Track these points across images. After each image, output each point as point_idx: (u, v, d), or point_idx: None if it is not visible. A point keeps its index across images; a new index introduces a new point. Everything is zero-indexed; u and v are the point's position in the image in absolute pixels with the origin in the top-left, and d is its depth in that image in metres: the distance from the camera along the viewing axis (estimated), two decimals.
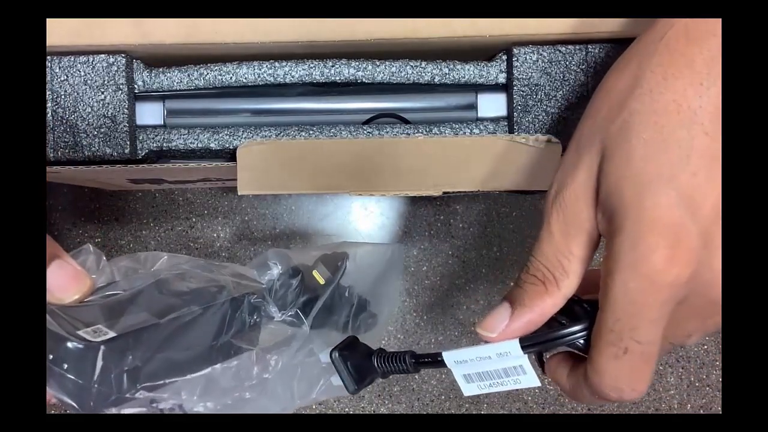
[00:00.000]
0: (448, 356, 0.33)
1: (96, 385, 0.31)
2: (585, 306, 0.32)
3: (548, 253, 0.31)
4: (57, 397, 0.32)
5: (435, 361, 0.34)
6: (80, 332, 0.31)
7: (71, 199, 0.60)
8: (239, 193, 0.38)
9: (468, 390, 0.34)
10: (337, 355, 0.35)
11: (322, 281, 0.42)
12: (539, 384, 0.33)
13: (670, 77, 0.28)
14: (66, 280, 0.33)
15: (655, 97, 0.28)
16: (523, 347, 0.31)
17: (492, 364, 0.32)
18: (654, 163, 0.27)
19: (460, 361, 0.33)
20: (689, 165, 0.27)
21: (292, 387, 0.40)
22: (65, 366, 0.31)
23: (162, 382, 0.34)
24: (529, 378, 0.32)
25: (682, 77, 0.27)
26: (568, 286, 0.31)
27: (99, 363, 0.32)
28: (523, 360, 0.32)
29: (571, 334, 0.31)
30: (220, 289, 0.38)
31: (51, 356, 0.31)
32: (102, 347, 0.32)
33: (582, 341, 0.31)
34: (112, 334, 0.32)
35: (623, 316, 0.28)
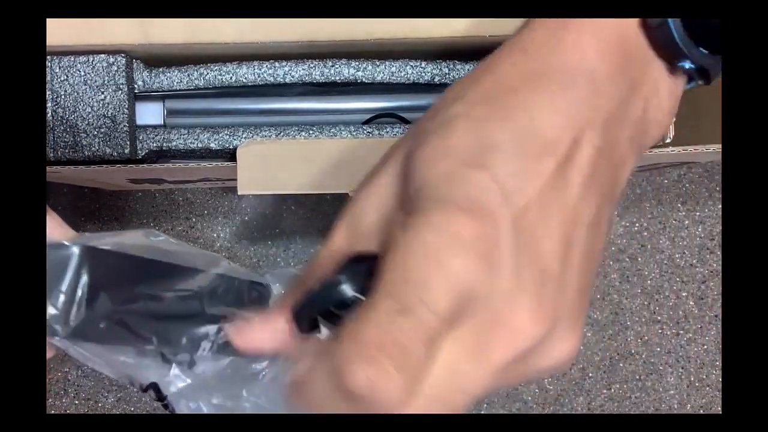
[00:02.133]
0: None
1: (76, 294, 0.29)
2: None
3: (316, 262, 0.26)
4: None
5: None
6: (66, 241, 0.29)
7: (71, 199, 0.60)
8: (239, 193, 0.38)
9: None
10: None
11: None
12: None
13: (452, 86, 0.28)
14: (52, 224, 0.31)
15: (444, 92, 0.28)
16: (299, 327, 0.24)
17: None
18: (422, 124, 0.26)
19: None
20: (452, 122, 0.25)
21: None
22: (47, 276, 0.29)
23: (147, 324, 0.31)
24: None
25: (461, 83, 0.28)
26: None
27: (80, 266, 0.29)
28: None
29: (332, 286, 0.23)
30: (216, 260, 0.34)
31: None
32: (83, 248, 0.29)
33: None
34: (101, 246, 0.30)
35: (414, 266, 0.22)
